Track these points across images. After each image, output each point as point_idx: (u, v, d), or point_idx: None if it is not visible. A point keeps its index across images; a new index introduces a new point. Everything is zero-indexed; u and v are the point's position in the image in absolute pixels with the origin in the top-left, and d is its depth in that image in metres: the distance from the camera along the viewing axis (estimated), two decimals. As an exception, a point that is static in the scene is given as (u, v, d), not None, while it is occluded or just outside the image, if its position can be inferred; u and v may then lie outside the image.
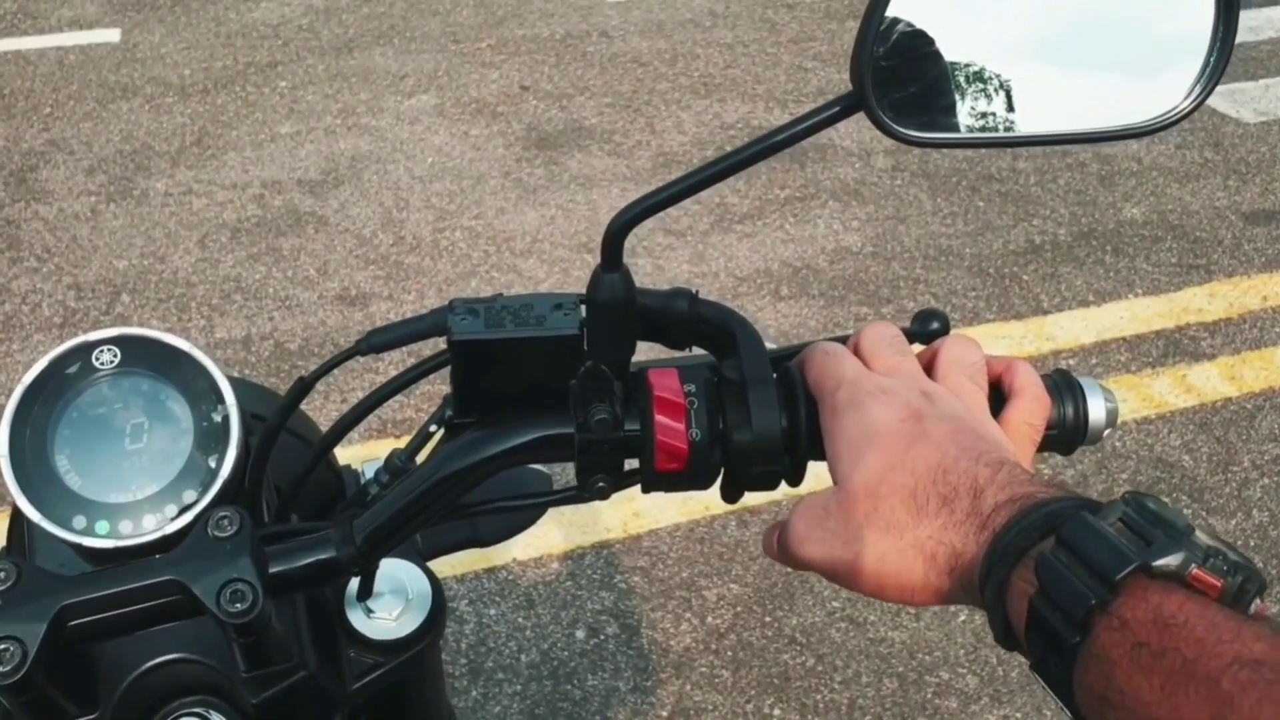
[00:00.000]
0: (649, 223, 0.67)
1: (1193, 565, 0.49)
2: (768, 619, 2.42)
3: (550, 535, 2.57)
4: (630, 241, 0.66)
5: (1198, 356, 3.22)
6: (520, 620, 2.40)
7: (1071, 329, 3.32)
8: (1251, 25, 5.22)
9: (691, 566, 2.53)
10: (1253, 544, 2.62)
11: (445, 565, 0.87)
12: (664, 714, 2.24)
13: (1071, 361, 3.18)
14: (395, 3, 5.55)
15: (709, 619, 2.42)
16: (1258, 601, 0.49)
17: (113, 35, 5.16)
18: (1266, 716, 0.43)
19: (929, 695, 2.28)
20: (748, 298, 3.41)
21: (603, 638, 2.38)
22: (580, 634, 2.38)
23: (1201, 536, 0.51)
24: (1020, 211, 3.89)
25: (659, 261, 3.54)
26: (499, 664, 2.31)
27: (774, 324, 3.30)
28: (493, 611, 2.42)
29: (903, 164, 4.12)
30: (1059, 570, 0.51)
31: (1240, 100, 4.63)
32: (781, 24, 5.36)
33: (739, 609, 2.44)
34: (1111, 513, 0.53)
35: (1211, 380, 3.13)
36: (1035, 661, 0.53)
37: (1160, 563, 0.49)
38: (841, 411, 0.65)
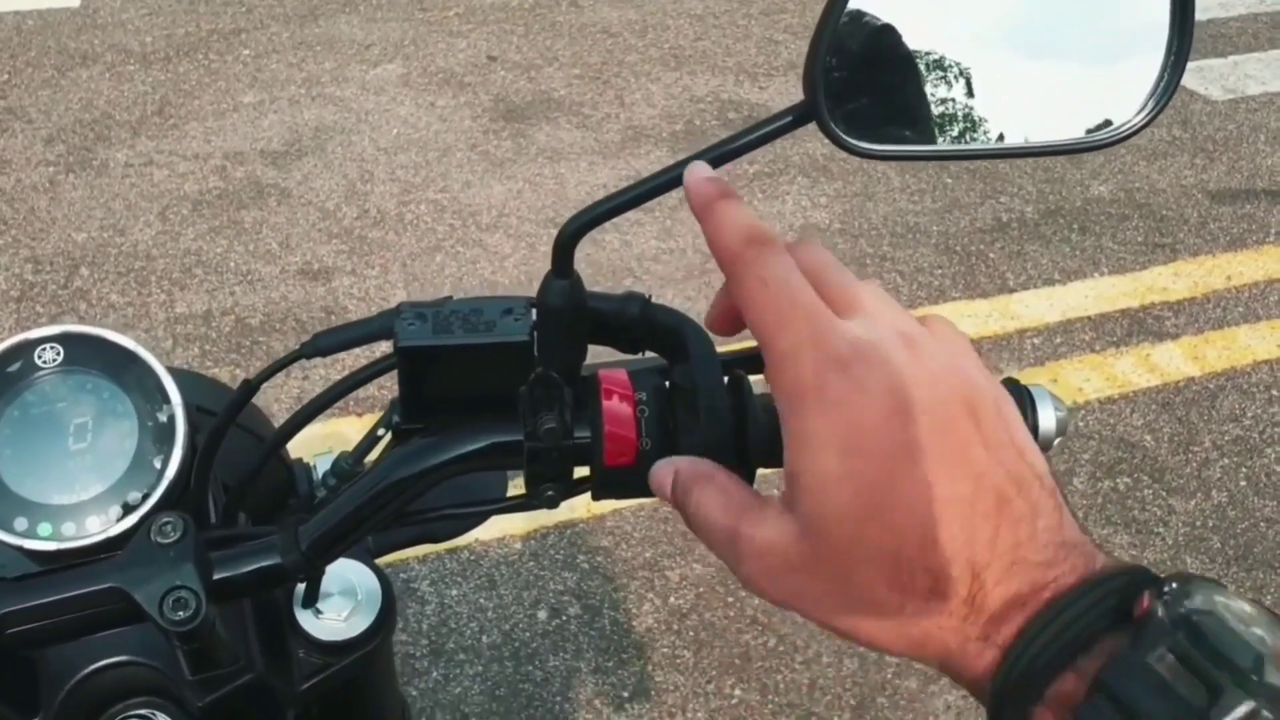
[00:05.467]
0: None
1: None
2: (730, 599, 2.43)
3: (513, 516, 2.56)
4: None
5: (1161, 336, 3.24)
6: (482, 601, 2.40)
7: (1036, 307, 3.34)
8: (1221, 0, 5.24)
9: (655, 547, 2.54)
10: (1211, 524, 2.65)
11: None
12: (625, 695, 2.24)
13: (1036, 340, 3.19)
14: (362, -30, 5.49)
15: (671, 599, 2.43)
16: None
17: (73, 0, 5.07)
18: None
19: (889, 675, 2.30)
20: (715, 274, 3.39)
21: (565, 618, 2.38)
22: (542, 615, 2.38)
23: (1272, 673, 0.42)
24: (988, 189, 3.89)
25: (626, 237, 3.53)
26: (460, 644, 2.31)
27: (740, 301, 3.29)
28: (454, 592, 2.41)
29: (871, 140, 4.11)
30: None
31: (1209, 77, 4.64)
32: (752, -4, 5.33)
33: (701, 589, 2.45)
34: (1159, 638, 0.44)
35: (1174, 360, 3.15)
36: None
37: None
38: (801, 396, 0.49)
